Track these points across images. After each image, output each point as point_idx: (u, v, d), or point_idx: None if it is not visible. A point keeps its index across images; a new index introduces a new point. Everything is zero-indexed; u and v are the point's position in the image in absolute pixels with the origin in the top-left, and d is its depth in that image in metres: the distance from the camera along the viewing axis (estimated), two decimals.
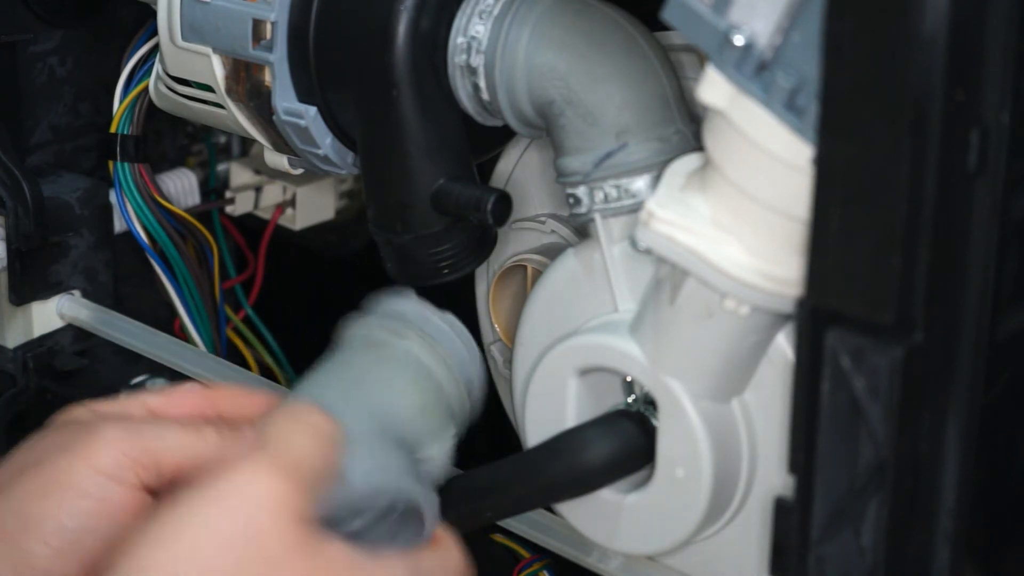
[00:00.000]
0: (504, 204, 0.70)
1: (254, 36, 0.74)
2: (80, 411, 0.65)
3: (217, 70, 0.76)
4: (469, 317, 0.76)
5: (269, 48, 0.73)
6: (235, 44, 0.74)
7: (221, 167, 1.02)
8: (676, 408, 0.63)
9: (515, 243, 0.78)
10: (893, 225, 0.51)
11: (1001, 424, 0.57)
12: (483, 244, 0.74)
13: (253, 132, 0.77)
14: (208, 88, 0.77)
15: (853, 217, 0.52)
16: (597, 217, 0.66)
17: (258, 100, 0.75)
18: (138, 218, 0.90)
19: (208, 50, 0.75)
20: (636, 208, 0.64)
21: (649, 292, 0.65)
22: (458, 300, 0.72)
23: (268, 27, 0.73)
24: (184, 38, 0.76)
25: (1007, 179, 0.54)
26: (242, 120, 0.77)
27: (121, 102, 0.88)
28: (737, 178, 0.58)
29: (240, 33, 0.74)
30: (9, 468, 0.62)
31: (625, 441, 0.65)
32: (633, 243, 0.64)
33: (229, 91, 0.76)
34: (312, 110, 0.74)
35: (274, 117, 0.75)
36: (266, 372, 1.00)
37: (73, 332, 0.92)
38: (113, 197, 0.91)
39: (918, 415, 0.53)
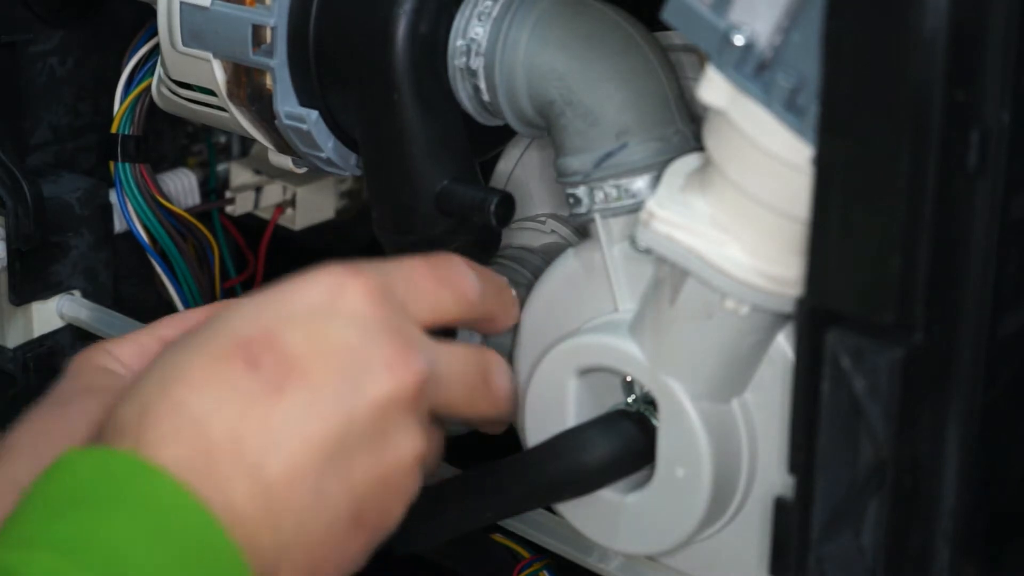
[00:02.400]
0: (507, 205, 0.70)
1: (254, 41, 0.73)
2: (99, 355, 0.65)
3: (218, 75, 0.76)
4: None
5: (269, 53, 0.73)
6: (235, 49, 0.74)
7: (221, 167, 1.02)
8: (676, 408, 0.63)
9: (516, 243, 0.78)
10: (893, 225, 0.51)
11: (1001, 424, 0.57)
12: (486, 245, 0.74)
13: (256, 135, 0.77)
14: (210, 92, 0.77)
15: (853, 217, 0.52)
16: (597, 217, 0.66)
17: (260, 104, 0.75)
18: (139, 218, 0.90)
19: (208, 55, 0.75)
20: (636, 208, 0.64)
21: (649, 292, 0.65)
22: None
23: (268, 32, 0.73)
24: (184, 43, 0.76)
25: (1007, 179, 0.53)
26: (245, 123, 0.77)
27: (122, 102, 0.88)
28: (737, 178, 0.58)
29: (240, 38, 0.74)
30: (37, 410, 0.63)
31: (625, 441, 0.65)
32: (633, 243, 0.64)
33: (231, 95, 0.76)
34: (314, 114, 0.74)
35: (276, 121, 0.75)
36: None
37: (73, 332, 0.92)
38: (113, 197, 0.91)
39: (918, 415, 0.53)
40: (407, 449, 0.57)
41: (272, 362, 0.55)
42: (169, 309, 0.94)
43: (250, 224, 1.00)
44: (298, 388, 0.54)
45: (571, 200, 0.67)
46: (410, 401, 0.57)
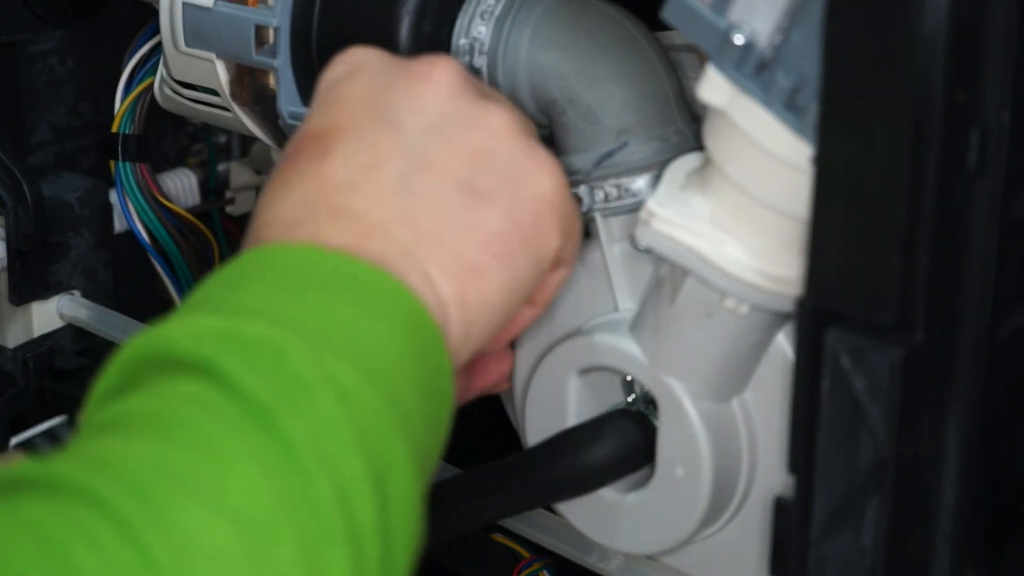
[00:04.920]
0: None
1: (257, 41, 0.73)
2: None
3: (221, 75, 0.76)
4: None
5: (272, 53, 0.73)
6: (238, 49, 0.74)
7: (221, 167, 1.02)
8: (676, 407, 0.63)
9: None
10: (893, 225, 0.51)
11: (1001, 424, 0.57)
12: None
13: (260, 134, 0.77)
14: (213, 92, 0.77)
15: (853, 217, 0.52)
16: (597, 216, 0.66)
17: (263, 104, 0.75)
18: (139, 218, 0.90)
19: (212, 55, 0.75)
20: (636, 207, 0.64)
21: (649, 292, 0.65)
22: None
23: (271, 32, 0.73)
24: (187, 44, 0.76)
25: (1007, 179, 0.53)
26: (248, 123, 0.77)
27: (122, 102, 0.88)
28: (737, 178, 0.58)
29: (243, 38, 0.74)
30: None
31: (625, 441, 0.65)
32: (633, 242, 0.64)
33: (234, 96, 0.76)
34: None
35: (280, 121, 0.74)
36: None
37: (73, 332, 0.92)
38: (114, 197, 0.91)
39: (918, 415, 0.53)
40: (485, 118, 0.58)
41: (309, 141, 0.58)
42: (169, 309, 0.94)
43: None
44: (339, 144, 0.56)
45: None
46: (460, 85, 0.59)
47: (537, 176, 0.58)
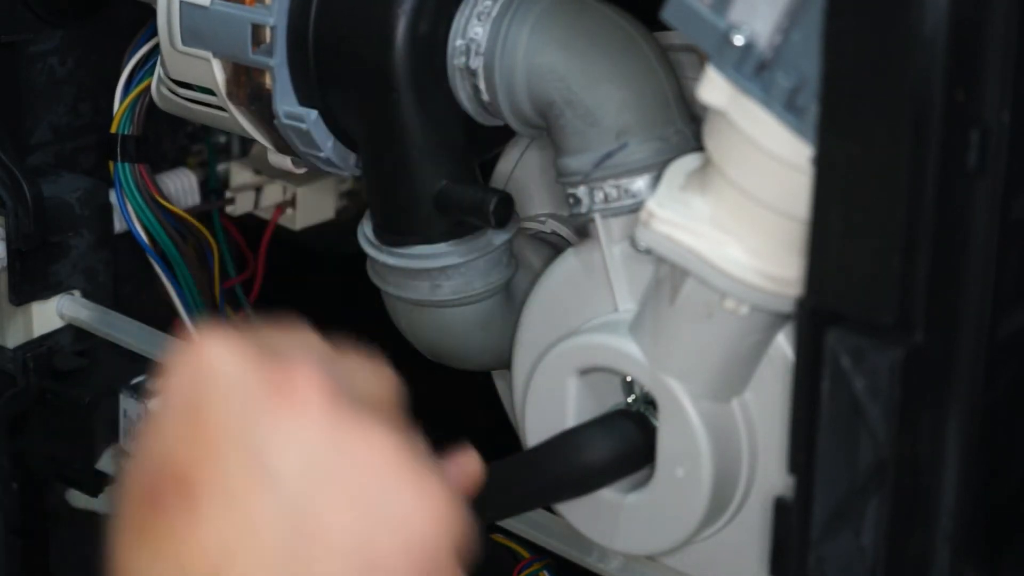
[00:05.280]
0: (506, 206, 0.70)
1: (253, 40, 0.73)
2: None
3: (218, 74, 0.76)
4: None
5: (269, 52, 0.73)
6: (235, 49, 0.74)
7: (221, 167, 1.02)
8: (676, 408, 0.63)
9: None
10: (893, 225, 0.51)
11: (1001, 424, 0.57)
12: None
13: (255, 134, 0.77)
14: (210, 92, 0.77)
15: (853, 217, 0.52)
16: (597, 217, 0.66)
17: (259, 103, 0.75)
18: (138, 218, 0.90)
19: (208, 55, 0.75)
20: (636, 208, 0.64)
21: (649, 292, 0.65)
22: None
23: (267, 31, 0.73)
24: (184, 43, 0.76)
25: (1007, 179, 0.53)
26: (244, 123, 0.77)
27: (121, 102, 0.88)
28: (737, 178, 0.58)
29: (239, 38, 0.74)
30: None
31: (625, 441, 0.65)
32: (633, 243, 0.64)
33: (230, 95, 0.76)
34: (313, 114, 0.74)
35: (275, 121, 0.74)
36: None
37: (73, 332, 0.92)
38: (113, 197, 0.91)
39: (918, 415, 0.53)
40: (366, 447, 0.52)
41: (172, 486, 0.51)
42: (169, 309, 0.94)
43: (250, 224, 1.00)
44: (208, 499, 0.50)
45: (571, 200, 0.67)
46: (329, 404, 0.51)
47: (427, 510, 0.53)
